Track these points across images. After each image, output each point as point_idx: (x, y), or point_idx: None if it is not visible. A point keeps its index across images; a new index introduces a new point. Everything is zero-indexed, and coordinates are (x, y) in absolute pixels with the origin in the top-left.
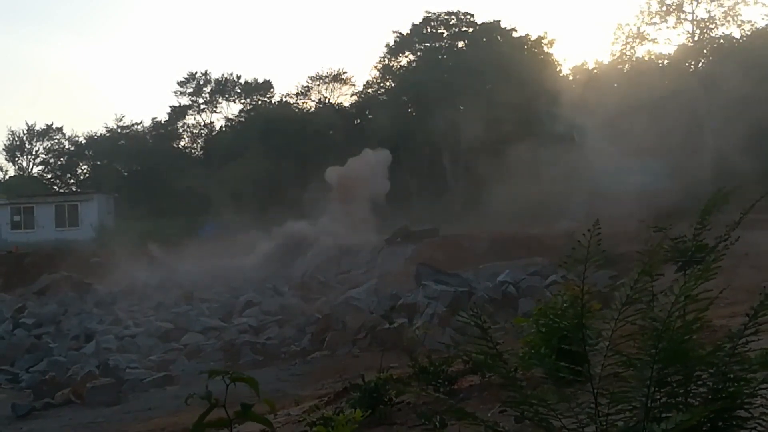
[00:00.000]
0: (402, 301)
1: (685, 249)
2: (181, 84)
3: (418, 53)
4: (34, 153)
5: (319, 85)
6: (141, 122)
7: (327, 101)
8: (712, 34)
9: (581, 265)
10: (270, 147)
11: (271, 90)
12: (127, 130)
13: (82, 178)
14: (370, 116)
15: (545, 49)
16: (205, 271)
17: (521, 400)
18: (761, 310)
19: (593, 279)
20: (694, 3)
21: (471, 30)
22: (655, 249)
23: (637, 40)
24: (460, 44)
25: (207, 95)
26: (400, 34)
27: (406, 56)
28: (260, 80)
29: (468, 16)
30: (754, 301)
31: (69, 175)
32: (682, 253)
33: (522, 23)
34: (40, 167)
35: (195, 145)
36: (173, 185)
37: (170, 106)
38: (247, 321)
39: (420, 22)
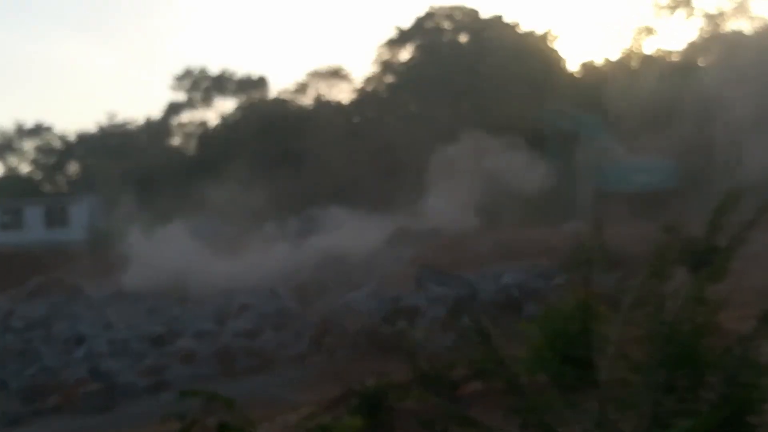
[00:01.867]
0: (402, 303)
1: (697, 250)
2: (178, 79)
3: (420, 48)
4: (23, 152)
5: (317, 81)
6: (135, 120)
7: (325, 98)
8: (722, 29)
9: (584, 269)
10: (266, 144)
11: (267, 86)
12: (120, 129)
13: (73, 177)
14: (369, 114)
15: (549, 45)
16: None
17: (525, 406)
18: None
19: (599, 281)
20: None
21: (473, 25)
22: (665, 250)
23: (646, 36)
24: (462, 39)
25: (203, 91)
26: (401, 29)
27: (407, 51)
28: (255, 76)
29: (471, 12)
30: (765, 303)
31: (60, 175)
32: (694, 255)
33: (526, 19)
34: (29, 167)
35: (189, 143)
36: (167, 184)
37: (169, 103)
38: (243, 325)
39: (422, 17)
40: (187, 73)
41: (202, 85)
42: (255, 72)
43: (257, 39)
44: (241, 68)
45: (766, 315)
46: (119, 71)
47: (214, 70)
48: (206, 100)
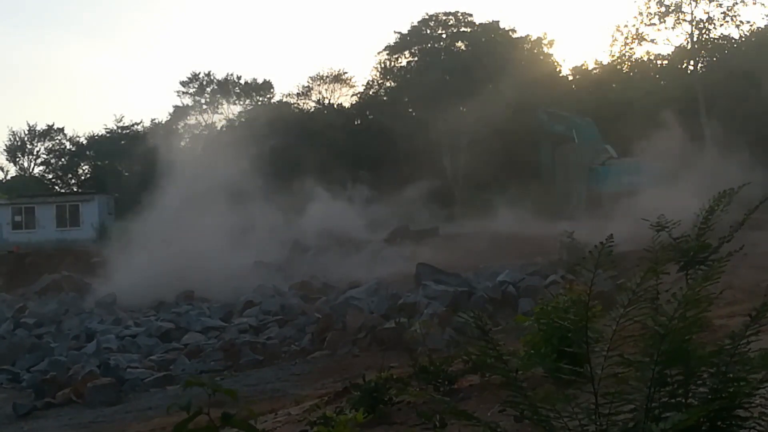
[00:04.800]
0: (402, 301)
1: (688, 249)
2: (183, 84)
3: (418, 54)
4: (35, 153)
5: (319, 85)
6: (141, 122)
7: (328, 101)
8: (711, 35)
9: (587, 268)
10: (270, 147)
11: (272, 90)
12: (127, 131)
13: (83, 178)
14: (370, 117)
15: (545, 49)
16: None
17: (521, 400)
18: (764, 311)
19: (593, 278)
20: (693, 3)
21: (470, 30)
22: (661, 249)
23: (636, 41)
24: (460, 45)
25: (209, 95)
26: (400, 34)
27: (406, 57)
28: (260, 80)
29: (467, 17)
30: (754, 301)
31: (70, 176)
32: (685, 253)
33: (522, 24)
34: (41, 168)
35: (196, 145)
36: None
37: (174, 106)
38: (248, 321)
39: (419, 22)
40: (194, 78)
41: (208, 89)
42: (260, 76)
43: (262, 46)
44: (246, 73)
45: (758, 313)
46: (129, 76)
47: (221, 74)
48: (212, 104)
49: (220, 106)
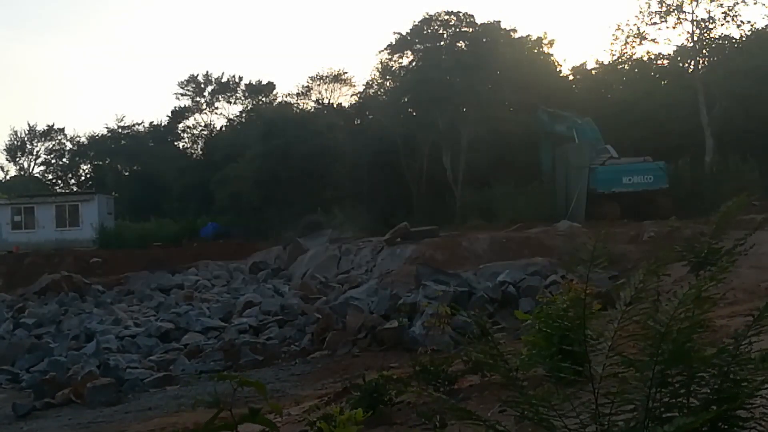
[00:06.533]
0: (402, 301)
1: (699, 250)
2: (181, 85)
3: (419, 53)
4: (35, 153)
5: (319, 85)
6: (142, 122)
7: (327, 101)
8: (712, 35)
9: (583, 265)
10: (270, 147)
11: (274, 91)
12: (128, 131)
13: (83, 178)
14: (370, 117)
15: (545, 49)
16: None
17: (522, 400)
18: (766, 312)
19: (593, 278)
20: (694, 3)
21: (471, 30)
22: (666, 249)
23: (637, 40)
24: (461, 44)
25: (208, 96)
26: (400, 34)
27: (408, 56)
28: (264, 81)
29: (468, 17)
30: (755, 301)
31: (70, 175)
32: (697, 254)
33: (522, 23)
34: (41, 168)
35: (195, 145)
36: (174, 185)
37: (172, 110)
38: (247, 321)
39: (420, 22)
40: (192, 79)
41: (207, 90)
42: (261, 77)
43: (262, 46)
44: (246, 74)
45: (761, 314)
46: (130, 76)
47: (220, 75)
48: (211, 104)
49: (219, 106)
